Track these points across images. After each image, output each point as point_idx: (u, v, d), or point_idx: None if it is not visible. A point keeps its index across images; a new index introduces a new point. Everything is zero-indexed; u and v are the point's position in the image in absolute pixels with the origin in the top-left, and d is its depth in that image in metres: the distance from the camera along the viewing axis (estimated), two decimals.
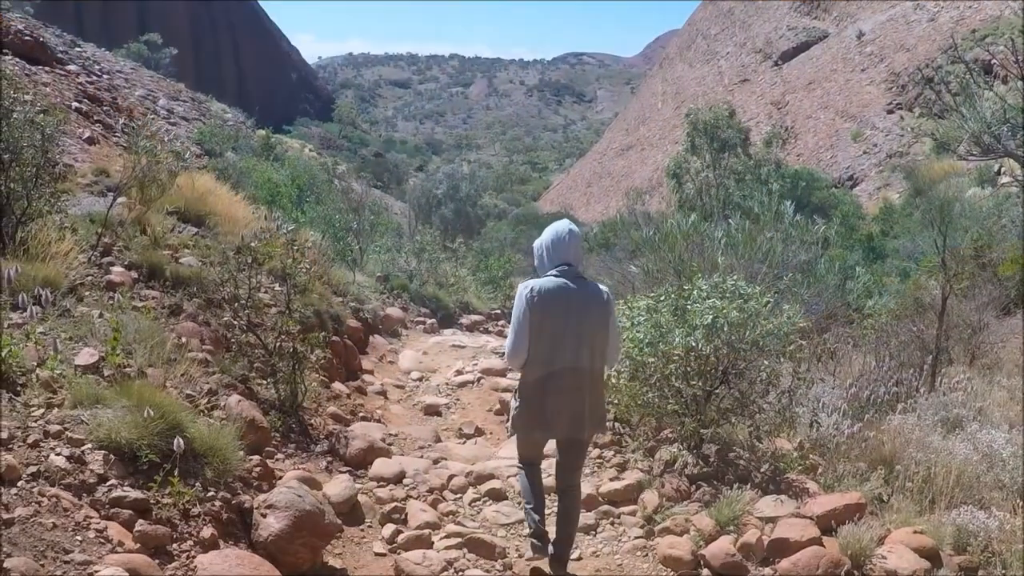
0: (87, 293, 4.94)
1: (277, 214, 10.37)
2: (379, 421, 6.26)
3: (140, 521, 3.13)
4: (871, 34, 41.85)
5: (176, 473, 3.37)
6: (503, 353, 3.81)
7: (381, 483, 4.92)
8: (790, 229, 9.35)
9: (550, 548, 3.82)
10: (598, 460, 5.40)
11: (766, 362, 5.01)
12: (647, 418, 5.52)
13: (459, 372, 8.00)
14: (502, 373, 7.80)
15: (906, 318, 8.84)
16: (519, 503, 4.55)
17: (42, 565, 2.63)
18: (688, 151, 24.42)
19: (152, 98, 20.64)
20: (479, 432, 6.34)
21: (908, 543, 4.03)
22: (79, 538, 2.85)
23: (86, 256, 5.46)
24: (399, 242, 14.17)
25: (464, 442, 6.15)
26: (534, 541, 3.83)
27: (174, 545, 3.19)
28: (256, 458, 4.26)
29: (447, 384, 7.69)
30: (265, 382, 5.37)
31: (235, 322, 5.56)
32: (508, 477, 5.06)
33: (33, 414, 3.42)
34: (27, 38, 16.05)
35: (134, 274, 5.63)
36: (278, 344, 5.42)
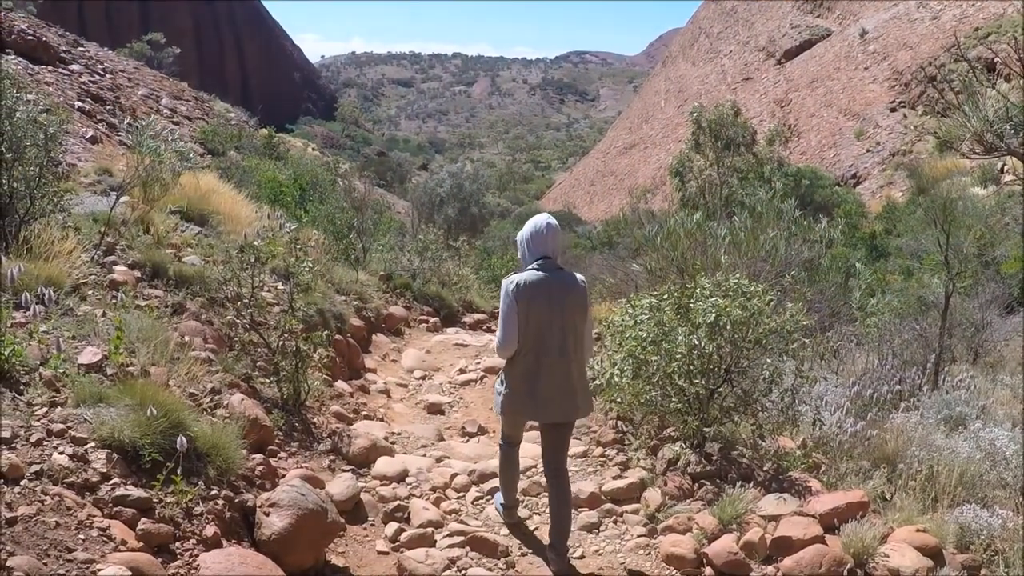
0: (90, 292, 4.94)
1: (280, 213, 10.40)
2: (382, 420, 6.26)
3: (143, 520, 3.13)
4: (874, 32, 41.81)
5: (179, 472, 3.37)
6: (495, 347, 4.02)
7: (384, 481, 4.92)
8: (792, 227, 9.33)
9: (548, 547, 4.01)
10: (601, 459, 5.39)
11: (769, 360, 5.00)
12: (650, 416, 5.51)
13: (462, 371, 7.98)
14: None
15: (909, 316, 8.85)
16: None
17: (45, 564, 2.63)
18: (692, 149, 24.41)
19: (155, 97, 20.68)
20: (482, 430, 6.33)
21: (911, 541, 4.04)
22: (82, 537, 2.86)
23: (89, 255, 5.45)
24: (402, 241, 14.13)
25: (467, 440, 6.14)
26: (502, 504, 4.41)
27: (177, 544, 3.19)
28: (259, 457, 4.27)
29: (450, 383, 7.68)
30: (268, 381, 5.37)
31: (238, 321, 5.56)
32: None
33: (36, 413, 3.43)
34: (30, 37, 16.10)
35: (137, 273, 5.64)
36: (281, 343, 5.42)
